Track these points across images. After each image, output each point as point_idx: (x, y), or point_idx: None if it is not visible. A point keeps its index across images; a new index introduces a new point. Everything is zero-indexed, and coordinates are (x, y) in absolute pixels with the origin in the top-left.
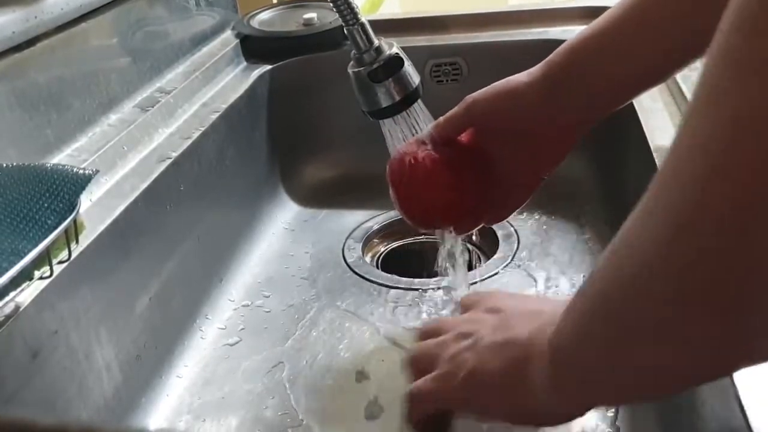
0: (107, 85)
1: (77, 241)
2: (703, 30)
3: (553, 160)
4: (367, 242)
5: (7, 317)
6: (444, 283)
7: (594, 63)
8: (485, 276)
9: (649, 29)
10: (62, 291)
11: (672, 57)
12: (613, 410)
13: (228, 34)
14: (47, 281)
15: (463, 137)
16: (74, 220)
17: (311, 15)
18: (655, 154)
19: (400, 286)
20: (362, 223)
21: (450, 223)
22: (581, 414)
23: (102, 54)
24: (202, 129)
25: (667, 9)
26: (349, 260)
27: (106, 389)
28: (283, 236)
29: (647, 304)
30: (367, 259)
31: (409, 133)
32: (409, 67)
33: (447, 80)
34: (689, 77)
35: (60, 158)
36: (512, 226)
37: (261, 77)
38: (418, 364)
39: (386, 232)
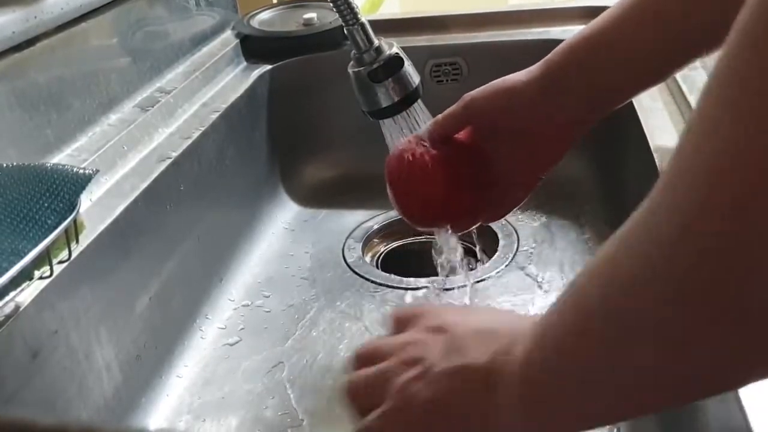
0: (107, 85)
1: (77, 241)
2: (702, 29)
3: (551, 159)
4: (367, 242)
5: (7, 317)
6: (443, 284)
7: (593, 62)
8: (485, 276)
9: (648, 29)
10: (62, 291)
11: (671, 56)
12: None
13: (228, 34)
14: (47, 281)
15: (461, 135)
16: (74, 220)
17: (311, 15)
18: (655, 154)
19: (400, 286)
20: (362, 223)
21: (447, 220)
22: None
23: (102, 54)
24: (202, 129)
25: (666, 8)
26: (349, 260)
27: (106, 389)
28: (283, 236)
29: (648, 304)
30: (367, 259)
31: (409, 133)
32: (409, 67)
33: (447, 80)
34: (689, 77)
35: (60, 158)
36: (512, 225)
37: (261, 77)
38: (358, 398)
39: (386, 232)
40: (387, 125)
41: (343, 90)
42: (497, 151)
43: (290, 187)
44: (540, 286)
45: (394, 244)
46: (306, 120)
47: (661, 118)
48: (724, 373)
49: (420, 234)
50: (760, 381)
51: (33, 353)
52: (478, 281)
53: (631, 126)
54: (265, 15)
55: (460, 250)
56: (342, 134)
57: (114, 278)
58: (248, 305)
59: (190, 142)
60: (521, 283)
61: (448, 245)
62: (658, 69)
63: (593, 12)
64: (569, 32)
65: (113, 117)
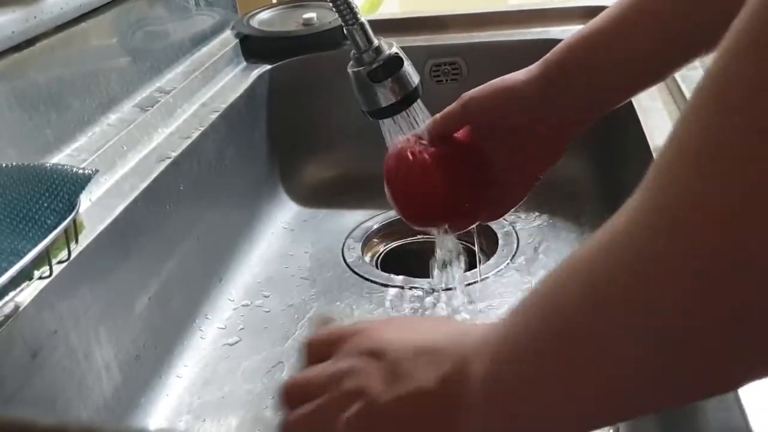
0: (107, 85)
1: (77, 241)
2: (700, 29)
3: (549, 158)
4: (366, 242)
5: (7, 317)
6: (443, 284)
7: (591, 62)
8: (484, 276)
9: (647, 28)
10: (62, 291)
11: (670, 56)
12: None
13: (228, 34)
14: (47, 281)
15: (460, 134)
16: (74, 220)
17: (311, 15)
18: (654, 154)
19: (399, 285)
20: (362, 223)
21: (445, 220)
22: None
23: (102, 54)
24: (202, 129)
25: (665, 8)
26: (348, 260)
27: (106, 389)
28: (283, 236)
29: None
30: (367, 258)
31: (409, 133)
32: (408, 66)
33: (446, 80)
34: (688, 77)
35: (60, 158)
36: (512, 225)
37: (261, 77)
38: None
39: (386, 231)
40: (386, 125)
41: (342, 90)
42: (496, 150)
43: (290, 187)
44: None
45: (394, 244)
46: (306, 120)
47: (660, 118)
48: (723, 372)
49: (419, 234)
50: (759, 381)
51: (33, 353)
52: (477, 281)
53: (631, 126)
54: (264, 15)
55: (459, 250)
56: (341, 134)
57: (113, 278)
58: (248, 305)
59: (189, 142)
60: (521, 283)
61: (447, 245)
62: (657, 69)
63: (593, 12)
64: (569, 32)
65: (113, 117)
